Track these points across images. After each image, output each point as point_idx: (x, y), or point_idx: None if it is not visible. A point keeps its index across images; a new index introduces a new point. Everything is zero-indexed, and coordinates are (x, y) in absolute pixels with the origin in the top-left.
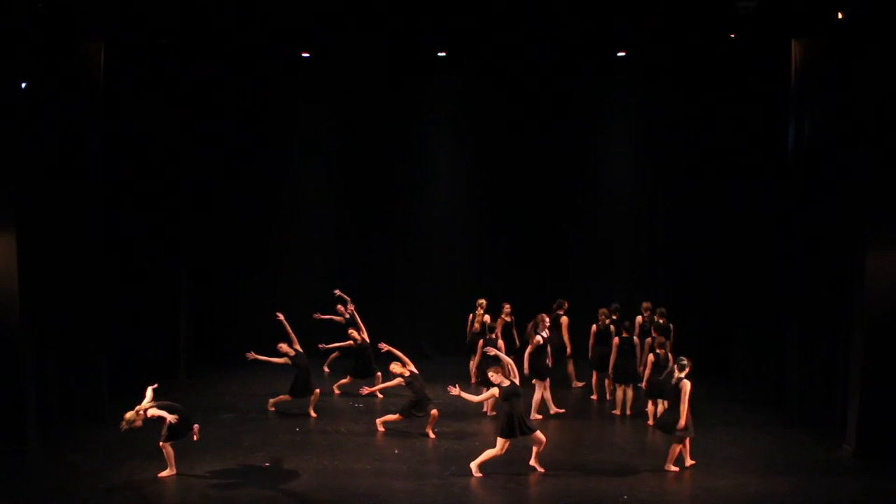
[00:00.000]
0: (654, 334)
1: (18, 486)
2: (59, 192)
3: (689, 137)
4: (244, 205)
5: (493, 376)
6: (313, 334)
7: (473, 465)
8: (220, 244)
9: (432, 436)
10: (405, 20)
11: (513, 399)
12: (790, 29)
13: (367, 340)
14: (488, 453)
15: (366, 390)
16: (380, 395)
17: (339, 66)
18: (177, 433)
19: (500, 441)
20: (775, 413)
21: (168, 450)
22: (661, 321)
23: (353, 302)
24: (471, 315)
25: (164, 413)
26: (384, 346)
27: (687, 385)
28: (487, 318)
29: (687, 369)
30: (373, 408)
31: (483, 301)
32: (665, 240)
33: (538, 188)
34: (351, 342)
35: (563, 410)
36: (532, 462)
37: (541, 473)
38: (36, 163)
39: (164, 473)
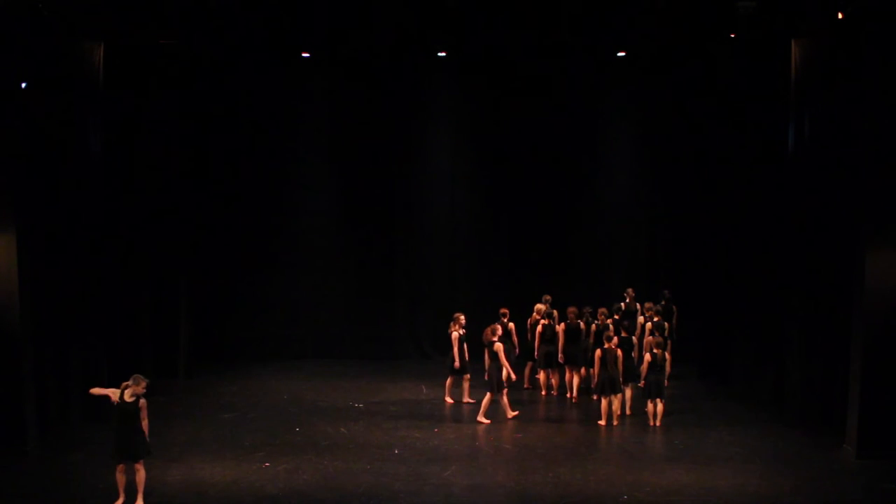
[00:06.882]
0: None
1: (18, 486)
2: (59, 192)
3: (688, 137)
4: (244, 205)
5: None
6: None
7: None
8: (220, 244)
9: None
10: (405, 20)
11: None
12: (790, 29)
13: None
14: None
15: None
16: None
17: (339, 66)
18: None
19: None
20: (775, 413)
21: (142, 473)
22: (657, 319)
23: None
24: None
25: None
26: None
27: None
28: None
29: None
30: (373, 408)
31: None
32: (665, 240)
33: (538, 188)
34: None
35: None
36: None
37: (542, 471)
38: (36, 163)
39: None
